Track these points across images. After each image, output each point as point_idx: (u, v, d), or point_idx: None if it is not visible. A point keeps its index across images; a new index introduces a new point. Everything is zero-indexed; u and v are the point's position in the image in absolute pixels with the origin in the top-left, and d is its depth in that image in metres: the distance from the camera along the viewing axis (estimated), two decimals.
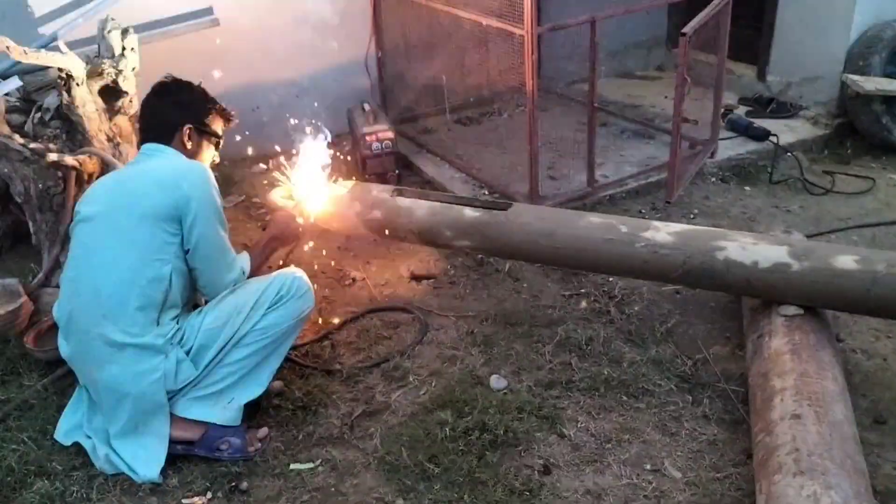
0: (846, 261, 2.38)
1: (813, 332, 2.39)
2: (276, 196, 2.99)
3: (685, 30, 3.23)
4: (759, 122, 4.36)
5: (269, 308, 2.33)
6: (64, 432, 2.39)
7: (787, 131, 4.35)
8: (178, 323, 2.27)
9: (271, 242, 2.66)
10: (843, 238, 3.45)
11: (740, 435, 2.33)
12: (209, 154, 2.56)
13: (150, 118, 2.45)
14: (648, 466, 2.24)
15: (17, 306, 2.88)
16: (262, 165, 4.36)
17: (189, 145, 2.44)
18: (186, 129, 2.43)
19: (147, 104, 2.48)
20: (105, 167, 3.07)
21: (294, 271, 2.47)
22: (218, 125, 2.57)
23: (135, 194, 2.26)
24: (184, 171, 2.31)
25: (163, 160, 2.38)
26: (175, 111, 2.43)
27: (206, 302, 2.39)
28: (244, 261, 2.45)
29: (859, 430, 2.11)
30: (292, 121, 4.34)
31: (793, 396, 2.11)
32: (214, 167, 2.53)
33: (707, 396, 2.49)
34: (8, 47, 2.78)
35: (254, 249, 2.58)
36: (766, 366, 2.31)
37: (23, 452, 2.34)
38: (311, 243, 3.32)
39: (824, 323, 2.49)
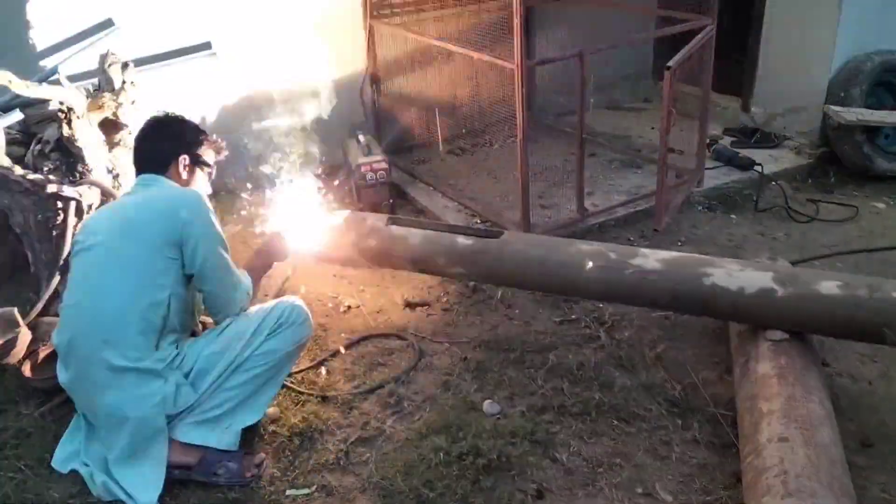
0: (830, 286, 2.44)
1: (799, 356, 2.44)
2: (272, 225, 3.04)
3: (670, 63, 3.32)
4: (744, 153, 4.45)
5: (269, 334, 2.38)
6: (61, 460, 2.40)
7: (771, 161, 4.44)
8: (177, 348, 2.31)
9: (256, 257, 2.73)
10: (827, 265, 3.51)
11: (730, 458, 2.36)
12: (203, 183, 2.60)
13: (146, 151, 2.50)
14: (640, 490, 2.28)
15: (14, 336, 2.89)
16: (249, 196, 4.41)
17: (184, 174, 2.50)
18: (182, 158, 2.48)
19: (142, 137, 2.53)
20: (104, 198, 3.12)
21: (293, 299, 2.52)
22: (209, 155, 2.63)
23: (134, 223, 2.32)
24: (181, 198, 2.37)
25: (159, 189, 2.43)
26: (170, 142, 2.49)
27: (215, 323, 2.44)
28: (247, 283, 2.50)
29: (847, 454, 2.14)
30: (286, 152, 4.43)
31: (780, 420, 2.15)
32: (210, 196, 2.57)
33: (697, 420, 2.53)
34: (10, 81, 2.84)
35: (244, 268, 2.62)
36: (753, 390, 2.36)
37: (20, 481, 2.35)
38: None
39: (810, 347, 2.54)
